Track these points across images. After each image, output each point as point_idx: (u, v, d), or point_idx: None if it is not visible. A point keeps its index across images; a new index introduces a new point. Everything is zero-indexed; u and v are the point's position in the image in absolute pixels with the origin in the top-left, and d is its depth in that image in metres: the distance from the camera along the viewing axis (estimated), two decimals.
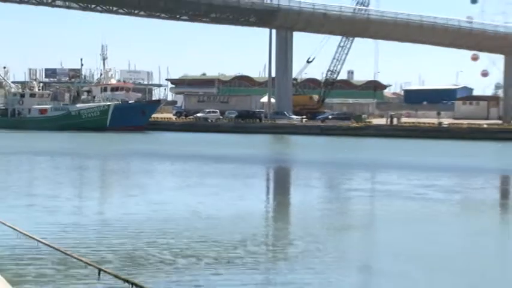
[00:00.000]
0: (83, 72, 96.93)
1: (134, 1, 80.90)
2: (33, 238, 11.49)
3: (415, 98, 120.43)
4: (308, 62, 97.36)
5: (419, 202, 23.29)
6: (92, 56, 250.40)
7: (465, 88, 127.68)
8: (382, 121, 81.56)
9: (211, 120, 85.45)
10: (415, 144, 59.47)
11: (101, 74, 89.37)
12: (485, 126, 74.73)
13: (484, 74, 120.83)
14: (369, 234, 17.96)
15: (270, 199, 26.29)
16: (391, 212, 21.07)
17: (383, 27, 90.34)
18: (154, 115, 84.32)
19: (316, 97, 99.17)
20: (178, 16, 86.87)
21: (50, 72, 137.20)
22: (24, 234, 11.65)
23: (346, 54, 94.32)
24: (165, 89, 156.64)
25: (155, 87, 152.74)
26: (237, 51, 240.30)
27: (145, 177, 30.89)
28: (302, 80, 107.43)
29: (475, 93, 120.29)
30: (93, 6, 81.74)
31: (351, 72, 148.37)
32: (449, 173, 35.54)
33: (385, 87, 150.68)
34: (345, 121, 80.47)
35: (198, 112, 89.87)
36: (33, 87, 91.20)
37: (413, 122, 79.69)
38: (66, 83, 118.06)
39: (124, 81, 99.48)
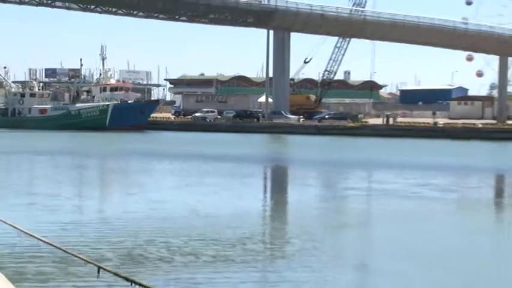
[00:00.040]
0: (83, 72, 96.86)
1: (133, 2, 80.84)
2: (34, 236, 11.49)
3: (410, 98, 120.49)
4: (305, 62, 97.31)
5: (415, 201, 23.31)
6: (91, 56, 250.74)
7: (460, 88, 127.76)
8: (378, 121, 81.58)
9: (210, 120, 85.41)
10: (410, 143, 59.50)
11: (101, 74, 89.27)
12: (480, 126, 74.76)
13: (479, 74, 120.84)
14: (365, 232, 17.97)
15: (268, 198, 26.30)
16: (387, 210, 21.09)
17: (379, 28, 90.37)
18: (153, 115, 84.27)
19: (313, 97, 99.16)
20: (177, 17, 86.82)
21: (50, 72, 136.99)
22: (25, 232, 11.65)
23: (343, 54, 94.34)
24: (163, 89, 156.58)
25: (154, 87, 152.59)
26: (235, 52, 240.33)
27: (144, 176, 30.89)
28: (299, 80, 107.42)
29: (470, 93, 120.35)
30: (92, 7, 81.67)
31: (347, 73, 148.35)
32: (445, 172, 35.56)
33: (381, 87, 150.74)
34: (341, 121, 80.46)
35: (196, 112, 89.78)
36: (33, 87, 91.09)
37: (409, 122, 79.69)
38: (66, 83, 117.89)
39: (123, 81, 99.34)
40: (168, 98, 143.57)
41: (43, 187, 25.70)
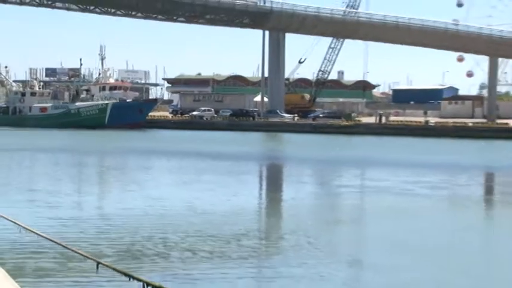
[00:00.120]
0: (82, 72, 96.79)
1: (132, 3, 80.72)
2: (34, 232, 11.44)
3: (403, 98, 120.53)
4: (300, 62, 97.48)
5: (407, 198, 23.32)
6: (90, 56, 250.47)
7: (451, 88, 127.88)
8: (371, 120, 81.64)
9: (207, 119, 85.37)
10: (402, 142, 59.55)
11: (100, 74, 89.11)
12: (470, 125, 74.90)
13: (469, 74, 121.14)
14: (359, 228, 17.96)
15: (263, 195, 26.27)
16: (380, 207, 21.07)
17: (372, 29, 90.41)
18: (151, 113, 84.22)
19: (307, 96, 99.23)
20: (174, 17, 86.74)
21: (50, 72, 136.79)
22: (25, 228, 11.60)
23: (337, 55, 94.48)
24: (161, 88, 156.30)
25: (152, 87, 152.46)
26: (232, 52, 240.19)
27: (142, 173, 30.84)
28: (294, 80, 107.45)
29: (461, 93, 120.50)
30: (92, 7, 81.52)
31: (341, 73, 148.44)
32: (436, 169, 35.58)
33: (374, 87, 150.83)
34: (335, 119, 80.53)
35: (193, 110, 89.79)
36: (34, 86, 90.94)
37: (401, 121, 79.77)
38: (65, 82, 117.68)
39: (122, 81, 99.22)
40: (166, 97, 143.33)
41: (43, 184, 25.63)
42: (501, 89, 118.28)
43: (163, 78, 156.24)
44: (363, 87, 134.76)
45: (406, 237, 15.87)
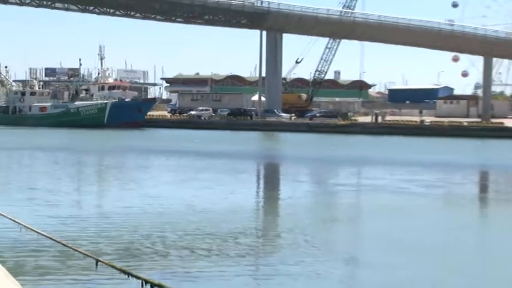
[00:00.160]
0: (82, 72, 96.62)
1: (130, 3, 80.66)
2: (34, 230, 11.43)
3: (398, 97, 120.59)
4: (297, 62, 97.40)
5: (403, 196, 23.34)
6: (90, 56, 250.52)
7: (446, 88, 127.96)
8: (367, 119, 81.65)
9: (205, 118, 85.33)
10: (398, 141, 59.58)
11: (99, 73, 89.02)
12: (465, 124, 74.95)
13: (464, 74, 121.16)
14: (355, 226, 17.97)
15: (261, 193, 26.28)
16: (376, 205, 21.08)
17: (368, 29, 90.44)
18: (149, 113, 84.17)
19: (304, 96, 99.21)
20: (173, 18, 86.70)
21: (50, 72, 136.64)
22: (25, 226, 11.59)
23: (333, 55, 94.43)
24: (160, 88, 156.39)
25: (151, 86, 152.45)
26: (229, 52, 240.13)
27: (141, 172, 30.83)
28: (291, 80, 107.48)
29: (456, 92, 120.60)
30: (91, 8, 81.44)
31: (337, 72, 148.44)
32: (431, 168, 35.60)
33: (370, 86, 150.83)
34: (332, 119, 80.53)
35: (191, 110, 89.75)
36: (34, 85, 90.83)
37: (397, 120, 79.79)
38: (65, 81, 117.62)
39: (121, 80, 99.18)
40: (164, 96, 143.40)
41: (43, 183, 25.61)
42: (496, 88, 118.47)
43: (161, 78, 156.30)
44: (359, 87, 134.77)
45: (402, 236, 15.89)
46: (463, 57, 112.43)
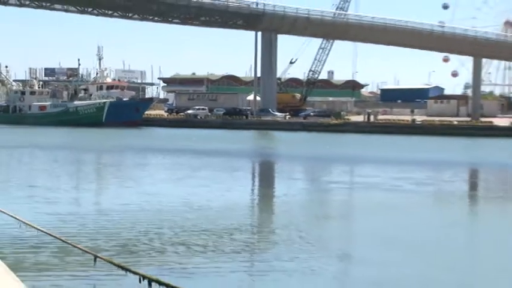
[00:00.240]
0: (80, 72, 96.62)
1: (128, 5, 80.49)
2: (34, 227, 11.40)
3: (390, 97, 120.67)
4: (291, 62, 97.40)
5: (395, 194, 23.35)
6: (88, 56, 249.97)
7: (437, 88, 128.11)
8: (360, 118, 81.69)
9: (201, 117, 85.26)
10: (390, 139, 59.62)
11: (97, 73, 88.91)
12: (455, 123, 75.04)
13: (454, 74, 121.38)
14: (348, 223, 17.97)
15: (256, 191, 26.26)
16: (369, 202, 21.10)
17: (361, 30, 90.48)
18: (147, 112, 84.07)
19: (298, 95, 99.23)
20: (170, 19, 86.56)
21: (49, 72, 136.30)
22: (25, 223, 11.56)
23: (327, 55, 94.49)
24: (157, 88, 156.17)
25: (148, 86, 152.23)
26: (225, 53, 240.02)
27: (139, 170, 30.79)
28: (285, 80, 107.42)
29: (446, 92, 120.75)
30: (89, 9, 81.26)
31: (331, 73, 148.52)
32: (422, 166, 35.65)
33: (362, 86, 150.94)
34: (325, 118, 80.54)
35: (188, 109, 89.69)
36: (33, 85, 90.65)
37: (389, 119, 79.83)
38: (64, 81, 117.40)
39: (119, 80, 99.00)
40: (162, 96, 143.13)
41: (42, 180, 25.55)
42: (485, 88, 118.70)
43: (159, 78, 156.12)
44: (352, 86, 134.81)
45: (394, 233, 15.90)
46: (453, 57, 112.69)
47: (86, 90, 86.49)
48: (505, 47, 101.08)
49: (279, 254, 13.07)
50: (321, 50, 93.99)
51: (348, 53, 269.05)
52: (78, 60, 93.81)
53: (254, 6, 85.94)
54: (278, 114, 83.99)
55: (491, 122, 74.99)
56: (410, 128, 70.95)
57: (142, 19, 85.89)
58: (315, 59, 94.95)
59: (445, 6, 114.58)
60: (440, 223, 17.67)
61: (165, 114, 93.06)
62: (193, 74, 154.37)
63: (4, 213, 11.75)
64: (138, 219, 16.49)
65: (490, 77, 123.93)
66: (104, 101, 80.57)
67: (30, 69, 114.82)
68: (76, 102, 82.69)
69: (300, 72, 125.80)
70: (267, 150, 49.55)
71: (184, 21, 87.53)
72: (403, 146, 52.20)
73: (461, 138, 61.69)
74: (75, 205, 19.23)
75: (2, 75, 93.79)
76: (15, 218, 11.66)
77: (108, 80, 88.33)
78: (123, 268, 10.05)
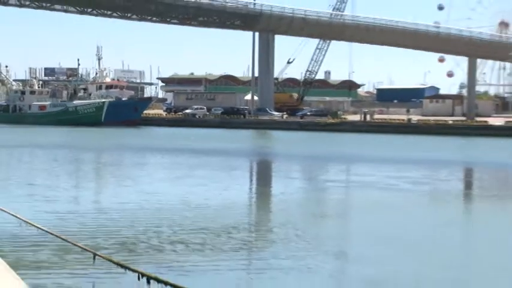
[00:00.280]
0: (80, 71, 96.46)
1: (127, 5, 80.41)
2: (34, 225, 11.40)
3: (386, 97, 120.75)
4: (288, 62, 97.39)
5: (391, 192, 23.37)
6: (88, 57, 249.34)
7: (432, 87, 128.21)
8: (356, 117, 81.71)
9: (199, 116, 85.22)
10: (386, 139, 59.65)
11: (97, 73, 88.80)
12: (450, 122, 75.08)
13: (450, 74, 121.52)
14: (345, 222, 17.99)
15: (254, 190, 26.27)
16: (365, 201, 21.12)
17: (357, 31, 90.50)
18: (146, 111, 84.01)
19: (295, 95, 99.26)
20: (168, 19, 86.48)
21: (49, 71, 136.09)
22: (25, 221, 11.55)
23: (324, 56, 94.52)
24: (156, 87, 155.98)
25: (147, 86, 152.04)
26: (223, 53, 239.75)
27: (138, 169, 30.77)
28: (283, 80, 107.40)
29: (441, 92, 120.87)
30: (89, 10, 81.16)
31: (327, 73, 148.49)
32: (418, 165, 35.68)
33: (359, 86, 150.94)
34: (322, 117, 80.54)
35: (186, 109, 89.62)
36: (33, 85, 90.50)
37: (385, 119, 79.85)
38: (64, 81, 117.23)
39: (118, 80, 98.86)
40: (160, 95, 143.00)
41: (42, 179, 25.53)
42: (480, 88, 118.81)
43: (157, 78, 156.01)
44: (349, 86, 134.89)
45: (390, 231, 15.91)
46: (449, 58, 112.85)
47: (85, 89, 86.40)
48: (499, 48, 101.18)
49: (276, 252, 13.08)
50: (317, 51, 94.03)
51: (345, 54, 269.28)
52: (78, 60, 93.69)
53: (251, 6, 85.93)
54: (275, 113, 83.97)
55: (486, 121, 75.05)
56: (406, 128, 70.95)
57: (141, 19, 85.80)
58: (312, 59, 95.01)
59: (440, 7, 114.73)
60: (436, 221, 17.69)
61: (164, 113, 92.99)
62: (192, 73, 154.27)
63: (4, 211, 11.75)
64: (137, 218, 16.49)
65: (485, 77, 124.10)
66: (103, 100, 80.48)
67: (30, 69, 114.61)
68: (75, 102, 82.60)
69: (297, 72, 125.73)
70: (265, 149, 49.55)
71: (182, 22, 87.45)
72: (399, 145, 52.23)
73: (457, 137, 61.74)
74: (74, 204, 19.23)
75: (2, 75, 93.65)
76: (16, 217, 11.65)
77: (108, 79, 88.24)
78: (122, 266, 10.05)
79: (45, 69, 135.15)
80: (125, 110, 78.09)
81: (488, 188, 27.11)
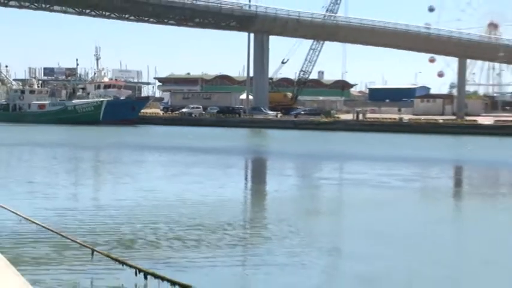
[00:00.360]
0: (79, 71, 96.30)
1: (125, 6, 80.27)
2: (33, 222, 11.38)
3: (378, 96, 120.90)
4: (283, 63, 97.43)
5: (383, 190, 23.39)
6: (86, 57, 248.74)
7: (423, 87, 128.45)
8: (349, 116, 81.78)
9: (195, 115, 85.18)
10: (378, 137, 59.71)
11: (95, 73, 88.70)
12: (440, 121, 75.21)
13: (440, 74, 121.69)
14: (338, 218, 17.99)
15: (249, 187, 26.25)
16: (358, 198, 21.14)
17: (350, 32, 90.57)
18: (143, 110, 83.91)
19: (290, 95, 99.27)
20: (165, 21, 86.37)
21: (48, 71, 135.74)
22: (25, 218, 11.53)
23: (317, 56, 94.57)
24: (153, 87, 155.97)
25: (144, 85, 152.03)
26: (219, 53, 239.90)
27: (135, 166, 30.73)
28: (277, 79, 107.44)
29: (432, 91, 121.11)
30: (87, 11, 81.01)
31: (321, 73, 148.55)
32: (409, 163, 35.73)
33: (351, 86, 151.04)
34: (315, 116, 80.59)
35: (183, 108, 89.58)
36: (33, 84, 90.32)
37: (377, 118, 79.95)
38: (63, 80, 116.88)
39: (116, 80, 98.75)
40: (157, 95, 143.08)
41: (42, 177, 25.47)
42: (469, 88, 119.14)
43: (154, 78, 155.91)
44: (342, 86, 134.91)
45: (382, 227, 15.92)
46: (439, 58, 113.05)
47: (83, 89, 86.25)
48: (488, 48, 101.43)
49: (271, 248, 13.07)
50: (311, 51, 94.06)
51: (338, 54, 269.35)
52: (77, 60, 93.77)
53: (247, 8, 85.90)
54: (270, 112, 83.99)
55: (475, 120, 75.22)
56: (398, 126, 71.07)
57: (138, 20, 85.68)
58: (306, 60, 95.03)
59: (431, 9, 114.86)
60: (426, 218, 17.72)
61: (161, 112, 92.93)
62: (188, 73, 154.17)
63: (5, 208, 11.72)
64: (135, 215, 16.47)
65: (475, 77, 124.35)
66: (102, 99, 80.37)
67: (29, 68, 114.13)
68: (74, 101, 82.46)
69: (291, 72, 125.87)
70: (259, 147, 49.54)
71: (179, 23, 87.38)
72: (391, 144, 52.29)
73: (447, 136, 61.83)
74: (73, 201, 19.19)
75: (2, 75, 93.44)
76: (16, 213, 11.63)
77: (106, 79, 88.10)
78: (119, 262, 10.05)
79: (45, 69, 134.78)
80: (122, 109, 78.00)
81: (477, 186, 27.15)
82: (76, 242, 10.91)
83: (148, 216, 16.28)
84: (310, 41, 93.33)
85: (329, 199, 21.44)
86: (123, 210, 17.29)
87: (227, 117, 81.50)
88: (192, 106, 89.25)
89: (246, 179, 29.54)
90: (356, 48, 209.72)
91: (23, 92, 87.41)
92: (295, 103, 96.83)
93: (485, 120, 75.07)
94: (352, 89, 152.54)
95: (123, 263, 9.97)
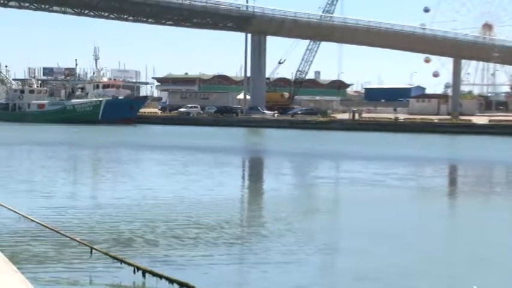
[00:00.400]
0: (77, 71, 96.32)
1: (123, 7, 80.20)
2: (32, 220, 11.36)
3: (374, 96, 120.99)
4: (280, 63, 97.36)
5: (379, 188, 23.40)
6: (85, 57, 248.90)
7: (418, 87, 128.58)
8: (345, 116, 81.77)
9: (193, 115, 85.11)
10: (374, 136, 59.73)
11: (94, 73, 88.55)
12: (436, 121, 75.21)
13: (435, 74, 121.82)
14: (334, 216, 18.00)
15: (246, 186, 26.25)
16: (353, 197, 21.15)
17: (346, 32, 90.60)
18: (141, 110, 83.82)
19: (286, 94, 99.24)
20: (163, 21, 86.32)
21: (48, 71, 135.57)
22: (24, 216, 11.52)
23: (314, 56, 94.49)
24: (151, 87, 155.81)
25: (142, 85, 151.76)
26: (216, 53, 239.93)
27: (133, 165, 30.71)
28: (274, 79, 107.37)
29: (427, 91, 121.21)
30: (86, 11, 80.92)
31: (317, 73, 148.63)
32: (404, 162, 35.74)
33: (347, 86, 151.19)
34: (312, 116, 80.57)
35: (181, 107, 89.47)
36: (32, 84, 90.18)
37: (373, 117, 79.92)
38: (62, 80, 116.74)
39: (114, 79, 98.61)
40: (155, 94, 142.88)
41: (41, 175, 25.44)
42: (464, 88, 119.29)
43: (153, 77, 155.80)
44: (338, 86, 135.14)
45: (378, 225, 15.94)
46: (435, 58, 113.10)
47: (82, 89, 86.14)
48: (483, 49, 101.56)
49: (268, 246, 13.07)
50: (308, 51, 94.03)
51: (334, 54, 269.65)
52: (76, 60, 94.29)
53: (244, 9, 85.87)
54: (267, 112, 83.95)
55: (470, 120, 75.27)
56: (393, 126, 71.05)
57: (136, 21, 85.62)
58: (303, 60, 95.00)
59: (426, 10, 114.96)
60: (422, 216, 17.74)
61: (159, 112, 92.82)
62: (186, 73, 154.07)
63: (4, 206, 11.70)
64: (133, 213, 16.45)
65: (469, 77, 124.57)
66: (100, 99, 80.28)
67: (29, 68, 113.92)
68: (73, 101, 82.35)
69: (288, 72, 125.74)
70: (257, 146, 49.53)
71: (177, 23, 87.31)
72: (386, 143, 52.31)
73: (442, 135, 61.89)
74: (72, 199, 19.16)
75: (2, 74, 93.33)
76: (15, 212, 11.61)
77: (104, 79, 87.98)
78: (118, 259, 10.05)
79: (44, 69, 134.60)
80: (121, 108, 77.91)
81: (471, 184, 27.18)
82: (75, 240, 10.91)
83: (146, 214, 16.27)
84: (307, 42, 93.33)
85: (325, 198, 21.45)
86: (121, 208, 17.27)
87: (225, 117, 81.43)
88: (189, 106, 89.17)
89: (243, 177, 29.53)
90: (352, 49, 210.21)
91: (22, 91, 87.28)
92: (292, 103, 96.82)
93: (480, 119, 75.14)
94: (348, 89, 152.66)
95: (121, 261, 9.96)
